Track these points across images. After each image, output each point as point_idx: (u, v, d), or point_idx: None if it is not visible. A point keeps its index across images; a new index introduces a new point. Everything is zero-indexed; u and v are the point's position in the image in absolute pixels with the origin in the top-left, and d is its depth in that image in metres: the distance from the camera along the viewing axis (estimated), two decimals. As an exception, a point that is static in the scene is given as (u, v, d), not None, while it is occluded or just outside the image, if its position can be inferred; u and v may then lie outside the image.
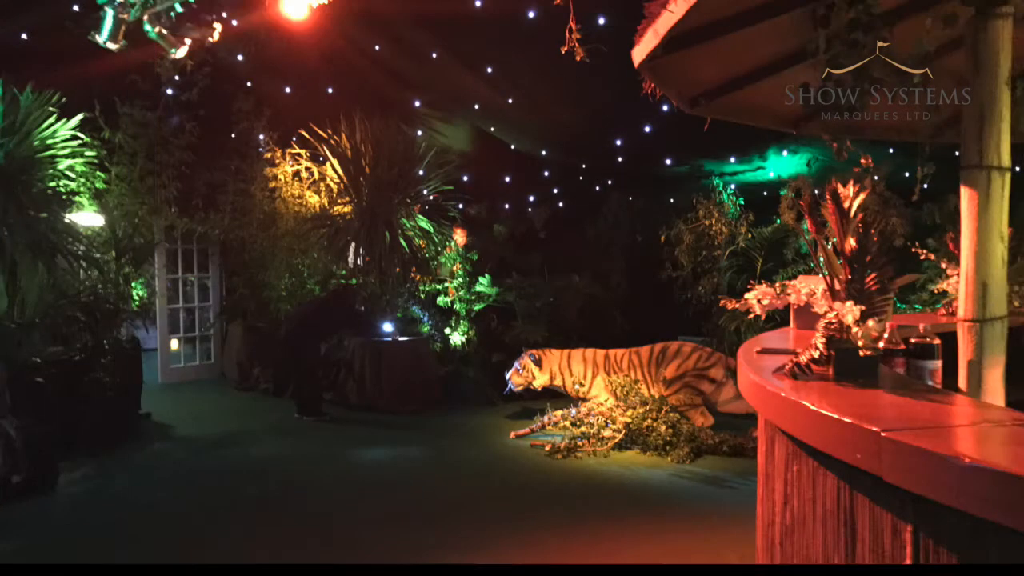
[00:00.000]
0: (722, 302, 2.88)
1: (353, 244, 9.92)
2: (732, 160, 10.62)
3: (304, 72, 9.97)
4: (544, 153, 11.55)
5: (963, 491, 1.31)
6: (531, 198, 12.18)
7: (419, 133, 10.65)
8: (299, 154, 10.45)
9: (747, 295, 2.61)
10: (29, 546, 4.80)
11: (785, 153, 10.07)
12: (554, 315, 10.43)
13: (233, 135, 10.40)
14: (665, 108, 7.28)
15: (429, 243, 10.23)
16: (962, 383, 2.66)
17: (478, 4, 8.14)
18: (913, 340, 2.41)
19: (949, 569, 1.40)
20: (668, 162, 11.11)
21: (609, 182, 12.39)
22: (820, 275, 2.40)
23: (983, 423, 1.71)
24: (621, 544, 4.70)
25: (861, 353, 2.12)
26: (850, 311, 2.12)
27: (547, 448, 6.83)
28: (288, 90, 10.42)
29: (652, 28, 3.00)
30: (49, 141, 7.68)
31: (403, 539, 4.85)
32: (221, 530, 5.07)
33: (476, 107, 10.42)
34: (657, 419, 6.89)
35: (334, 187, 10.40)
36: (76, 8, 8.17)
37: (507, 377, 8.19)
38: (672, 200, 11.64)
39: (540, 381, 8.00)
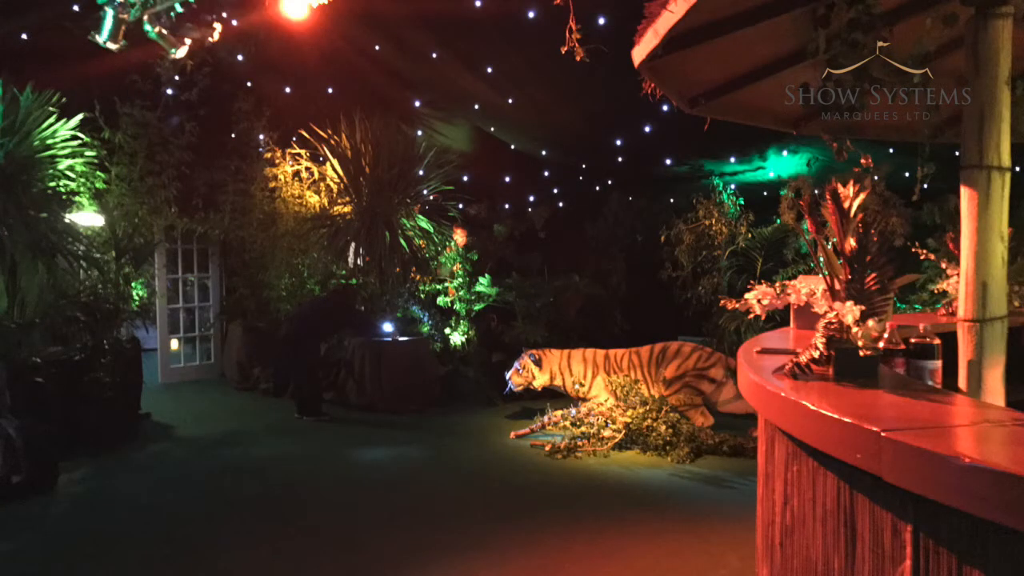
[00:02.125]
0: (722, 302, 2.88)
1: (353, 244, 9.92)
2: (732, 160, 10.62)
3: (304, 72, 9.97)
4: (544, 153, 11.55)
5: (963, 491, 1.31)
6: (531, 198, 12.19)
7: (419, 133, 10.65)
8: (299, 154, 10.45)
9: (747, 295, 2.60)
10: (29, 546, 4.80)
11: (785, 153, 10.07)
12: (554, 315, 10.44)
13: (233, 135, 10.41)
14: (665, 108, 7.29)
15: (429, 243, 10.23)
16: (962, 383, 2.66)
17: (478, 4, 8.14)
18: (913, 340, 2.41)
19: None
20: (668, 162, 11.11)
21: (609, 182, 12.39)
22: (820, 275, 2.40)
23: (983, 423, 1.71)
24: (621, 544, 4.70)
25: (861, 353, 2.12)
26: (850, 311, 2.12)
27: (547, 448, 6.83)
28: (288, 90, 10.43)
29: (652, 28, 3.00)
30: (49, 141, 7.68)
31: (403, 539, 4.85)
32: (221, 530, 5.07)
33: (476, 107, 10.42)
34: (657, 419, 6.89)
35: (334, 187, 10.40)
36: (76, 8, 8.17)
37: (507, 377, 8.19)
38: (672, 200, 11.64)
39: (540, 381, 8.00)
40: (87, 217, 8.41)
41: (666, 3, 2.80)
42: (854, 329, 2.12)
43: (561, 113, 9.94)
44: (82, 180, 8.33)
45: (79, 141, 8.07)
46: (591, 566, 4.39)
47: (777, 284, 2.60)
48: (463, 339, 9.98)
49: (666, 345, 7.74)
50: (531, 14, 7.98)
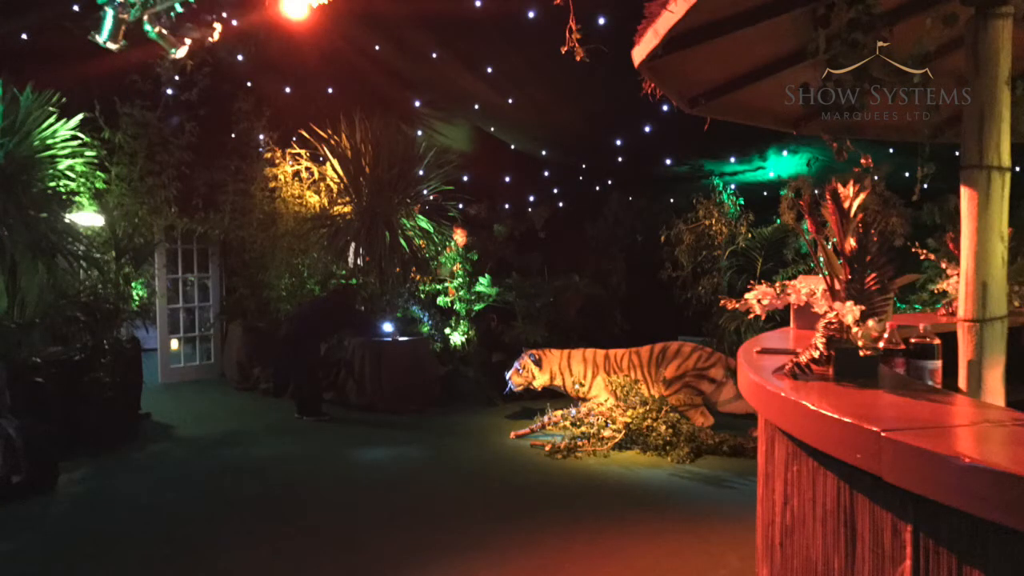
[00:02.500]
0: (722, 302, 2.87)
1: (353, 244, 9.92)
2: (732, 160, 10.62)
3: (304, 72, 9.97)
4: (544, 153, 11.55)
5: (963, 491, 1.30)
6: (531, 198, 12.19)
7: (419, 133, 10.65)
8: (299, 154, 10.45)
9: (747, 295, 2.60)
10: (29, 546, 4.80)
11: (785, 153, 10.07)
12: (554, 315, 10.44)
13: (233, 135, 10.40)
14: (665, 108, 7.29)
15: (429, 243, 10.23)
16: (962, 383, 2.66)
17: (478, 4, 8.14)
18: (913, 340, 2.41)
19: None
20: (668, 162, 11.11)
21: (609, 182, 12.39)
22: (820, 275, 2.40)
23: (983, 423, 1.71)
24: (621, 544, 4.70)
25: (861, 353, 2.12)
26: (850, 311, 2.12)
27: (547, 448, 6.83)
28: (288, 90, 10.43)
29: (652, 28, 3.00)
30: (49, 141, 7.67)
31: (403, 539, 4.85)
32: (221, 530, 5.07)
33: (476, 107, 10.42)
34: (657, 419, 6.89)
35: (334, 187, 10.41)
36: (76, 8, 8.17)
37: (507, 377, 8.19)
38: (672, 200, 11.64)
39: (540, 381, 8.00)
40: (87, 217, 8.41)
41: (666, 3, 2.80)
42: (854, 329, 2.12)
43: (561, 113, 9.93)
44: (82, 180, 8.33)
45: (79, 141, 8.07)
46: (591, 566, 4.39)
47: (777, 284, 2.60)
48: (463, 339, 9.98)
49: (666, 345, 7.74)
50: (531, 14, 7.98)
